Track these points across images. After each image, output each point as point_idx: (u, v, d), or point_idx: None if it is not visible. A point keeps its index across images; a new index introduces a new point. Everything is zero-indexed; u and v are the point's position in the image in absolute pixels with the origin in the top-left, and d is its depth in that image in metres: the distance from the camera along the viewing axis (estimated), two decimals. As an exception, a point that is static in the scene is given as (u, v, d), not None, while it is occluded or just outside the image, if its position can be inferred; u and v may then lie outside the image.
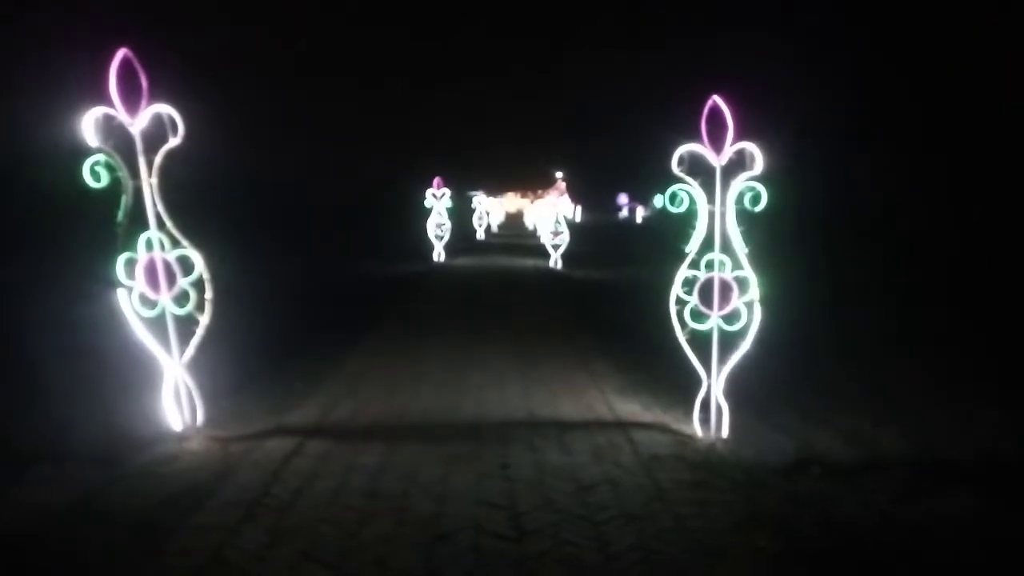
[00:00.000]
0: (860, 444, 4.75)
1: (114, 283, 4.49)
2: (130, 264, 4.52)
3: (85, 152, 4.28)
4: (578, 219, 31.61)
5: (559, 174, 18.23)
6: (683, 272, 4.72)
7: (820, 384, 6.07)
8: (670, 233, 5.33)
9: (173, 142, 4.48)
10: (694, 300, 4.71)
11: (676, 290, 4.74)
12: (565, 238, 17.50)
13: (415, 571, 3.20)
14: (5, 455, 4.36)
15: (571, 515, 3.72)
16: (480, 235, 27.09)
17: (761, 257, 4.64)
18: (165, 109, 4.45)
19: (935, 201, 13.78)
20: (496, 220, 35.12)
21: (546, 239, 18.31)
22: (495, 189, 33.31)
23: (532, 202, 33.81)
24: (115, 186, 4.39)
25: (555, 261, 17.25)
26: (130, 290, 4.53)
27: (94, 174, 4.30)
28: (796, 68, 14.64)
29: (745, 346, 4.63)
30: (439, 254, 17.62)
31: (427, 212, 17.41)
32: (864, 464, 4.42)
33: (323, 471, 4.29)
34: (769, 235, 4.82)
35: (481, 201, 28.29)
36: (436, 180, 17.29)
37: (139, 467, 4.30)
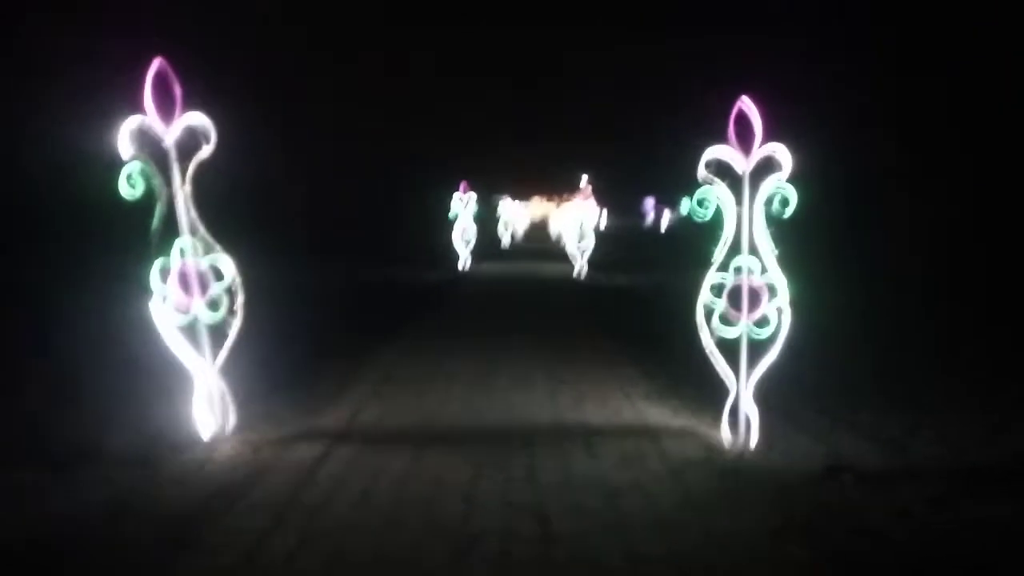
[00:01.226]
0: (892, 450, 4.66)
1: (148, 290, 4.58)
2: (164, 271, 4.61)
3: (120, 161, 4.38)
4: (603, 225, 31.32)
5: (584, 178, 18.09)
6: (711, 277, 4.69)
7: (851, 389, 5.97)
8: (696, 238, 5.29)
9: (206, 151, 4.56)
10: (722, 305, 4.66)
11: (703, 296, 4.70)
12: (590, 245, 17.33)
13: (443, 575, 3.21)
14: (44, 457, 4.46)
15: (599, 521, 3.71)
16: (505, 243, 26.93)
17: (790, 260, 4.58)
18: (198, 119, 4.54)
19: (965, 202, 13.53)
20: (521, 227, 35.05)
21: (571, 247, 18.25)
22: (520, 194, 33.06)
23: (558, 206, 33.53)
24: (149, 195, 4.48)
25: (580, 269, 17.15)
26: (164, 297, 4.61)
27: (130, 183, 4.39)
28: (825, 67, 14.46)
29: (774, 352, 4.57)
30: (465, 262, 17.33)
31: (452, 218, 17.11)
32: (897, 471, 4.34)
33: (352, 475, 4.32)
34: (798, 238, 4.75)
35: (506, 208, 28.35)
36: (462, 184, 17.18)
37: (173, 470, 4.38)
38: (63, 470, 4.29)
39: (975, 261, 12.21)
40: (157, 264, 4.58)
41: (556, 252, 23.43)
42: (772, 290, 4.55)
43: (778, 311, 4.55)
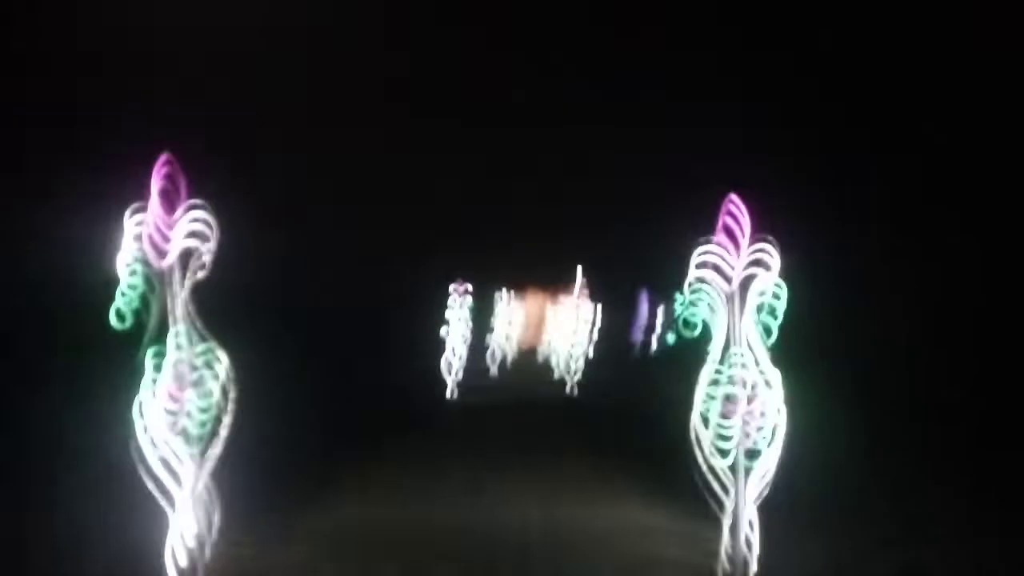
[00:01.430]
0: (898, 565, 4.49)
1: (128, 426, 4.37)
2: (157, 364, 4.48)
3: (115, 282, 4.33)
4: (599, 325, 28.45)
5: (579, 271, 18.13)
6: (702, 388, 4.56)
7: (852, 505, 5.81)
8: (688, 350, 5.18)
9: (209, 246, 4.56)
10: (715, 416, 4.50)
11: (695, 422, 4.54)
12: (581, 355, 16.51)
13: None
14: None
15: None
16: (493, 372, 21.24)
17: (784, 359, 4.55)
18: (201, 216, 4.58)
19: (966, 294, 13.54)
20: (515, 334, 28.65)
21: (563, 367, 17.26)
22: (513, 283, 31.23)
23: (552, 301, 31.57)
24: (138, 326, 4.39)
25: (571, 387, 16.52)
26: (153, 392, 4.46)
27: (119, 316, 4.32)
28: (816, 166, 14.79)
29: (770, 471, 4.44)
30: (452, 389, 14.22)
31: (441, 322, 14.48)
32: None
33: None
34: (791, 336, 4.74)
35: (504, 308, 23.38)
36: (459, 280, 15.20)
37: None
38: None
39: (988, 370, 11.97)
40: (150, 358, 4.45)
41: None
42: (767, 385, 4.47)
43: (773, 430, 4.42)
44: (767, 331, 4.52)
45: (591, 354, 17.26)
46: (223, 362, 4.63)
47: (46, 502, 5.61)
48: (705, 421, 4.57)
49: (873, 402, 9.61)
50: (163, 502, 4.46)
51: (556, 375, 19.63)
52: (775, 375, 4.48)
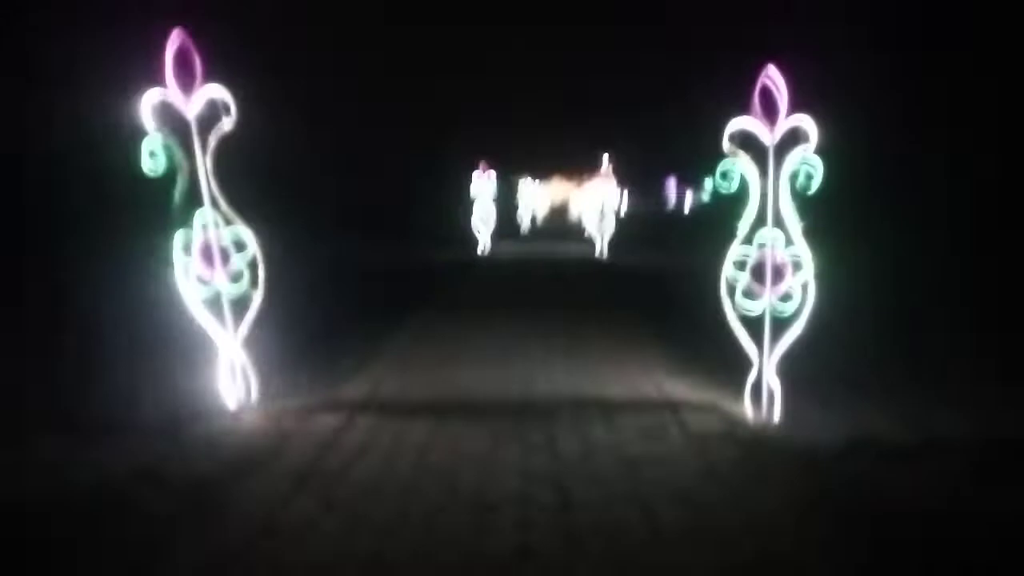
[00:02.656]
0: (918, 427, 4.59)
1: (170, 262, 4.62)
2: (186, 244, 4.64)
3: (142, 134, 4.40)
4: (625, 207, 30.80)
5: (605, 158, 17.98)
6: (734, 251, 4.63)
7: (875, 363, 5.89)
8: (719, 219, 5.20)
9: (227, 123, 4.57)
10: (746, 279, 4.61)
11: (727, 269, 4.65)
12: (611, 226, 17.24)
13: (463, 541, 3.22)
14: (71, 427, 4.54)
15: (620, 492, 3.70)
16: (524, 229, 26.46)
17: (816, 234, 4.51)
18: (219, 92, 4.55)
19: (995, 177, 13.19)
20: (542, 210, 34.81)
21: (592, 229, 18.17)
22: (540, 174, 32.90)
23: (579, 187, 33.40)
24: (171, 169, 4.50)
25: (601, 250, 17.09)
26: (186, 269, 4.65)
27: (152, 157, 4.41)
28: (854, 38, 14.12)
29: (798, 327, 4.52)
30: (484, 246, 17.23)
31: (472, 201, 16.95)
32: (922, 446, 4.27)
33: (373, 444, 4.35)
34: (824, 211, 4.66)
35: (527, 191, 28.07)
36: (482, 165, 17.15)
37: (197, 439, 4.43)
38: (89, 439, 4.36)
39: (1008, 241, 11.92)
40: (179, 237, 4.62)
41: (576, 234, 23.33)
42: (797, 264, 4.49)
43: (803, 286, 4.49)
44: (801, 207, 4.44)
45: (618, 225, 17.44)
46: (251, 244, 4.71)
47: (102, 352, 5.91)
48: (731, 294, 4.63)
49: (899, 282, 9.54)
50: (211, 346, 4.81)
51: (585, 235, 21.02)
52: (806, 253, 4.44)
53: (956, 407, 4.88)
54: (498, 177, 17.64)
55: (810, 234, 4.47)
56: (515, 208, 26.23)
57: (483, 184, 17.02)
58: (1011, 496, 3.62)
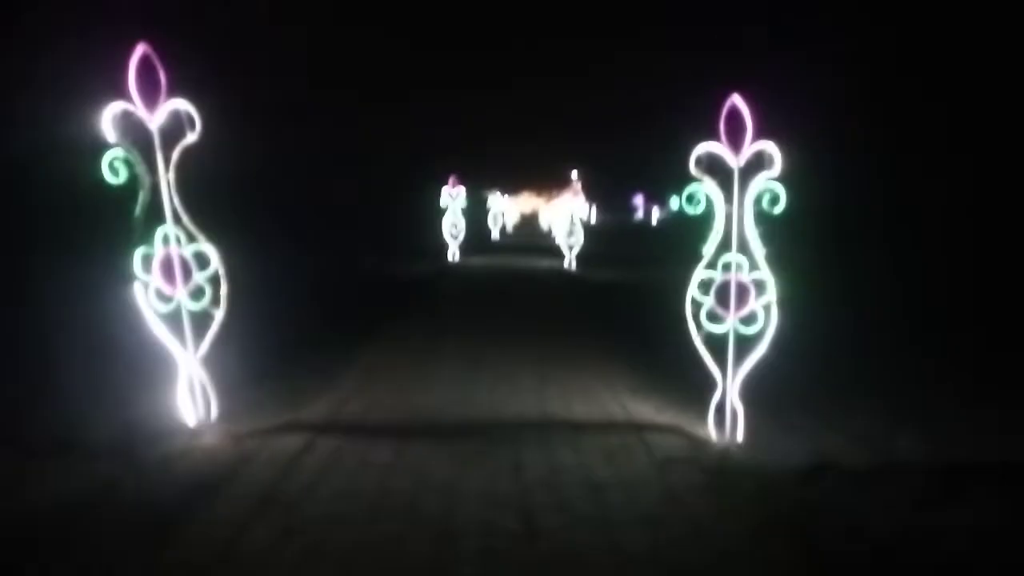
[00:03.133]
0: (878, 449, 4.67)
1: (130, 277, 4.52)
2: (146, 259, 4.55)
3: (104, 147, 4.31)
4: (593, 220, 31.54)
5: (574, 173, 18.14)
6: (699, 273, 4.68)
7: (837, 387, 5.98)
8: (686, 235, 5.27)
9: (190, 138, 4.50)
10: (710, 302, 4.67)
11: (692, 291, 4.71)
12: (579, 239, 17.45)
13: (424, 570, 3.18)
14: (24, 445, 4.40)
15: (583, 517, 3.69)
16: (495, 236, 27.11)
17: (779, 259, 4.58)
18: (183, 105, 4.47)
19: (956, 200, 13.58)
20: (511, 221, 35.19)
21: (561, 240, 18.30)
22: (510, 188, 33.27)
23: (547, 202, 33.81)
24: (132, 182, 4.41)
25: (570, 262, 17.22)
26: (146, 285, 4.55)
27: (112, 170, 4.32)
28: (815, 66, 14.48)
29: (761, 349, 4.58)
30: (454, 254, 17.67)
31: (442, 212, 17.47)
32: (882, 469, 4.35)
33: (334, 468, 4.28)
34: (787, 236, 4.75)
35: (496, 201, 28.40)
36: (451, 179, 17.33)
37: (153, 460, 4.32)
38: (43, 458, 4.23)
39: (970, 263, 12.26)
40: (140, 251, 4.52)
41: (545, 246, 23.46)
42: (760, 287, 4.55)
43: (766, 308, 4.56)
44: (765, 232, 4.52)
45: (586, 238, 17.64)
46: (213, 259, 4.63)
47: (56, 368, 5.77)
48: (696, 316, 4.69)
49: (864, 302, 9.74)
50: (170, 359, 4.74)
51: (553, 245, 21.19)
52: (770, 277, 4.51)
53: (916, 430, 4.98)
54: (470, 190, 17.84)
55: (773, 258, 4.55)
56: (485, 218, 26.47)
57: (452, 197, 17.32)
58: (965, 518, 3.70)
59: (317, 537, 3.43)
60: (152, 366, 4.96)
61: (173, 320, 4.68)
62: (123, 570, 3.12)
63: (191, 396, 4.82)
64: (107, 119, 4.29)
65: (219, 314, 4.69)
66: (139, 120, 4.42)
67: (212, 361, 4.86)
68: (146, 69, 4.39)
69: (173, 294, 4.62)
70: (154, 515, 3.60)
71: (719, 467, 4.38)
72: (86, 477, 4.01)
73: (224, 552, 3.27)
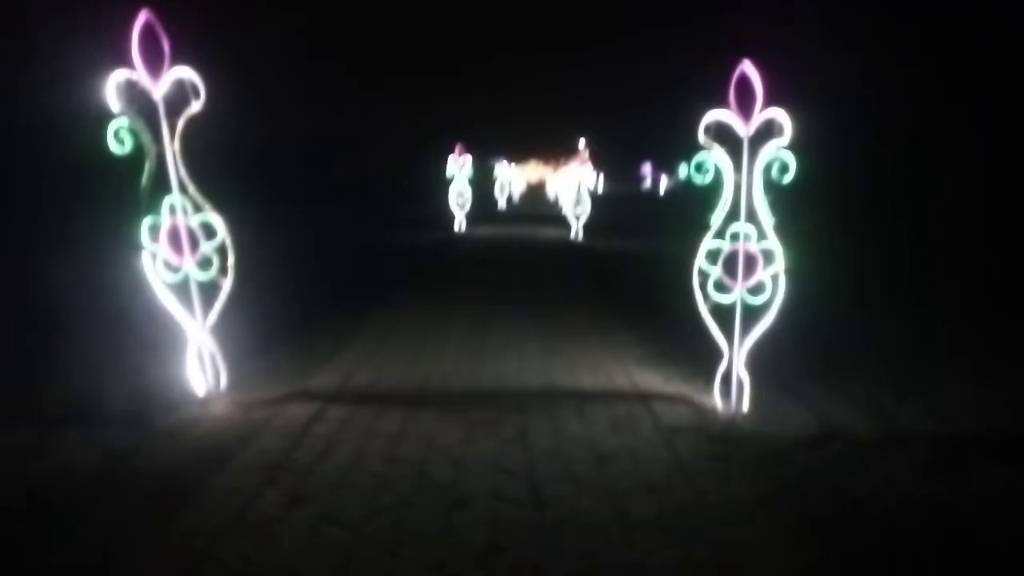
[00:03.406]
0: (883, 418, 4.69)
1: (138, 247, 4.53)
2: (153, 229, 4.56)
3: (108, 117, 4.29)
4: (600, 189, 31.48)
5: (582, 142, 17.99)
6: (707, 243, 4.66)
7: (843, 357, 5.99)
8: (694, 204, 5.23)
9: (195, 107, 4.47)
10: (718, 272, 4.65)
11: (700, 261, 4.69)
12: (587, 208, 17.36)
13: (433, 535, 3.23)
14: (36, 416, 4.46)
15: (590, 484, 3.73)
16: (501, 205, 27.04)
17: (788, 228, 4.55)
18: (187, 73, 4.44)
19: (965, 167, 13.42)
20: (518, 190, 35.10)
21: (568, 210, 18.22)
22: (517, 158, 33.08)
23: (554, 171, 33.64)
24: (138, 151, 4.40)
25: (576, 232, 17.15)
26: (154, 255, 4.57)
27: (118, 139, 4.30)
28: (827, 34, 14.23)
29: (769, 319, 4.57)
30: (460, 224, 17.61)
31: (448, 181, 17.36)
32: (887, 438, 4.36)
33: (344, 436, 4.33)
34: (797, 205, 4.71)
35: (503, 170, 28.28)
36: (457, 147, 17.19)
37: (164, 430, 4.38)
38: (55, 429, 4.28)
39: (979, 236, 12.16)
40: (147, 221, 4.53)
41: (552, 215, 23.37)
42: (768, 257, 4.53)
43: (774, 278, 4.54)
44: (774, 201, 4.48)
45: (594, 206, 17.58)
46: (220, 230, 4.63)
47: (66, 339, 5.82)
48: (704, 286, 4.69)
49: (871, 275, 9.70)
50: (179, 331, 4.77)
51: (561, 215, 20.96)
52: (778, 247, 4.48)
53: (922, 401, 4.98)
54: (477, 159, 17.74)
55: (782, 228, 4.52)
56: (492, 188, 26.40)
57: (458, 166, 17.16)
58: (969, 487, 3.71)
59: (327, 504, 3.48)
60: (163, 336, 5.00)
61: (181, 290, 4.70)
62: (136, 535, 3.17)
63: (200, 366, 4.86)
64: (111, 88, 4.27)
65: (226, 284, 4.71)
66: (143, 89, 4.40)
67: (221, 330, 4.89)
68: (149, 37, 4.35)
69: (180, 264, 4.64)
70: (166, 483, 3.66)
71: (725, 436, 4.41)
72: (98, 446, 4.07)
73: (235, 519, 3.32)
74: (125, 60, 4.33)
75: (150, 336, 5.23)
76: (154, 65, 4.39)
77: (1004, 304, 8.15)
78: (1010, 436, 4.47)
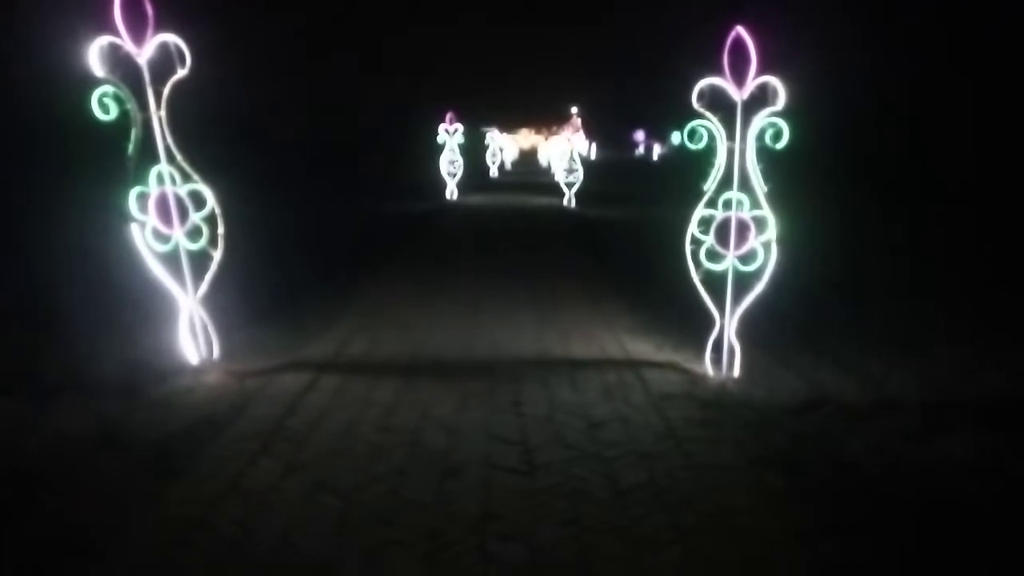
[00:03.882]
0: (872, 385, 4.73)
1: (127, 217, 4.49)
2: (142, 198, 4.51)
3: (93, 83, 4.21)
4: (593, 156, 31.33)
5: (574, 110, 17.86)
6: (699, 211, 4.66)
7: (833, 325, 6.03)
8: (687, 171, 5.21)
9: (181, 73, 4.39)
10: (710, 240, 4.66)
11: (692, 229, 4.69)
12: (579, 176, 17.29)
13: (427, 503, 3.27)
14: (28, 386, 4.45)
15: (582, 451, 3.77)
16: (493, 173, 26.90)
17: (780, 196, 4.54)
18: (172, 39, 4.36)
19: (959, 135, 13.39)
20: (510, 157, 34.90)
21: (560, 177, 18.14)
22: (509, 125, 32.85)
23: (546, 139, 33.46)
24: (124, 118, 4.33)
25: (569, 199, 17.10)
26: (143, 225, 4.53)
27: (102, 106, 4.23)
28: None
29: (760, 286, 4.59)
30: (452, 192, 17.53)
31: (439, 148, 17.23)
32: (875, 405, 4.41)
33: (338, 405, 4.35)
34: (789, 173, 4.70)
35: (495, 138, 28.05)
36: (449, 115, 17.02)
37: (157, 399, 4.38)
38: (47, 399, 4.28)
39: (978, 205, 12.17)
40: (135, 191, 4.48)
41: (545, 183, 23.25)
42: (760, 225, 4.53)
43: (765, 246, 4.55)
44: (767, 169, 4.47)
45: (586, 174, 17.54)
46: (209, 199, 4.59)
47: (58, 310, 5.81)
48: (696, 254, 4.70)
49: (864, 241, 9.73)
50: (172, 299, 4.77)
51: (552, 182, 21.09)
52: (770, 215, 4.48)
53: (910, 367, 5.03)
54: (467, 130, 17.53)
55: (774, 196, 4.51)
56: (484, 156, 26.21)
57: (449, 134, 17.01)
58: (956, 453, 3.77)
59: (322, 472, 3.50)
60: (156, 305, 4.98)
61: (172, 260, 4.67)
62: (131, 504, 3.20)
63: (192, 336, 4.86)
64: (95, 53, 4.19)
65: (217, 254, 4.69)
66: (127, 55, 4.32)
67: (213, 300, 4.88)
68: (132, 1, 4.26)
69: (170, 234, 4.61)
70: (160, 452, 3.68)
71: (715, 402, 4.45)
72: (91, 415, 4.07)
73: (230, 487, 3.35)
74: (109, 25, 4.24)
75: (142, 305, 5.21)
76: (138, 30, 4.30)
77: (999, 275, 8.20)
78: (998, 403, 4.52)
